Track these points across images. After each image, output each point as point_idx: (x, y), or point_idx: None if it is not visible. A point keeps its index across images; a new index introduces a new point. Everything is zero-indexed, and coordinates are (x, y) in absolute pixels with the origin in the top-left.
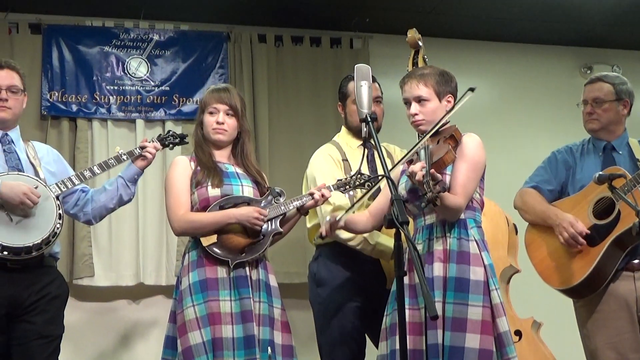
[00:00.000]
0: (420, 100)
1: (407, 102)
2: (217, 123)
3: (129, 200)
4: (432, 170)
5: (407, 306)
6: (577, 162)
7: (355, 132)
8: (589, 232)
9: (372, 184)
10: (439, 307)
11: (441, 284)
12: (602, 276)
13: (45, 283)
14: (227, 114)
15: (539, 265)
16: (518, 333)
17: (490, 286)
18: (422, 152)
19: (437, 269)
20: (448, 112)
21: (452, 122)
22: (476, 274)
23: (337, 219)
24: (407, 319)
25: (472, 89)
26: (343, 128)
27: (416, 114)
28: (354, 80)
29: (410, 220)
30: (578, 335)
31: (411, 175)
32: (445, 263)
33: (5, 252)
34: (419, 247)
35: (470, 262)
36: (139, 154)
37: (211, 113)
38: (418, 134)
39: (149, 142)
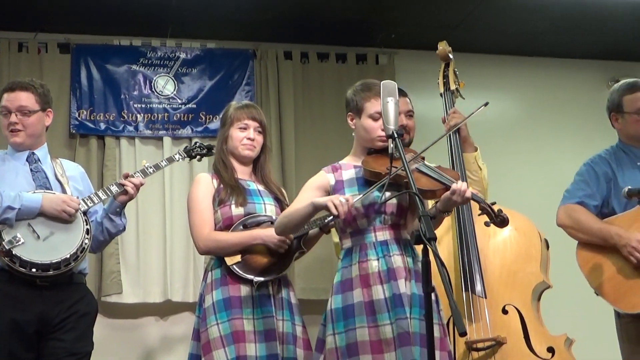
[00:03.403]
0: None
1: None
2: (248, 139)
3: (119, 231)
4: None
5: (365, 324)
6: (616, 173)
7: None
8: None
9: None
10: (406, 323)
11: (408, 300)
12: None
13: (75, 300)
14: (257, 131)
15: (603, 288)
16: (550, 350)
17: (439, 305)
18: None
19: (402, 286)
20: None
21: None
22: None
23: (354, 202)
24: (367, 338)
25: (486, 103)
26: None
27: None
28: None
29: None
30: (611, 351)
31: (457, 194)
32: (408, 281)
33: (33, 270)
34: (374, 264)
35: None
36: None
37: (241, 128)
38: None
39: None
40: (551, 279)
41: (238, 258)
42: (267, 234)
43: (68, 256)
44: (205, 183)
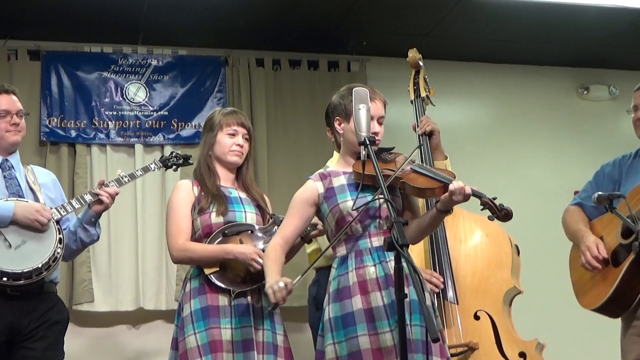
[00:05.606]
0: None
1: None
2: (237, 145)
3: (92, 241)
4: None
5: (366, 332)
6: (622, 176)
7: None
8: (606, 256)
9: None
10: (407, 330)
11: (407, 307)
12: (631, 294)
13: (46, 309)
14: (245, 138)
15: (575, 285)
16: (522, 355)
17: (436, 311)
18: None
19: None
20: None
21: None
22: (427, 298)
23: (293, 284)
24: (369, 346)
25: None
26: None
27: None
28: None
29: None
30: (581, 356)
31: (458, 193)
32: (407, 287)
33: (5, 279)
34: (371, 270)
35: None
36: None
37: (230, 134)
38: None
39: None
40: (522, 284)
41: (216, 267)
42: (241, 251)
43: (40, 265)
44: (186, 190)
